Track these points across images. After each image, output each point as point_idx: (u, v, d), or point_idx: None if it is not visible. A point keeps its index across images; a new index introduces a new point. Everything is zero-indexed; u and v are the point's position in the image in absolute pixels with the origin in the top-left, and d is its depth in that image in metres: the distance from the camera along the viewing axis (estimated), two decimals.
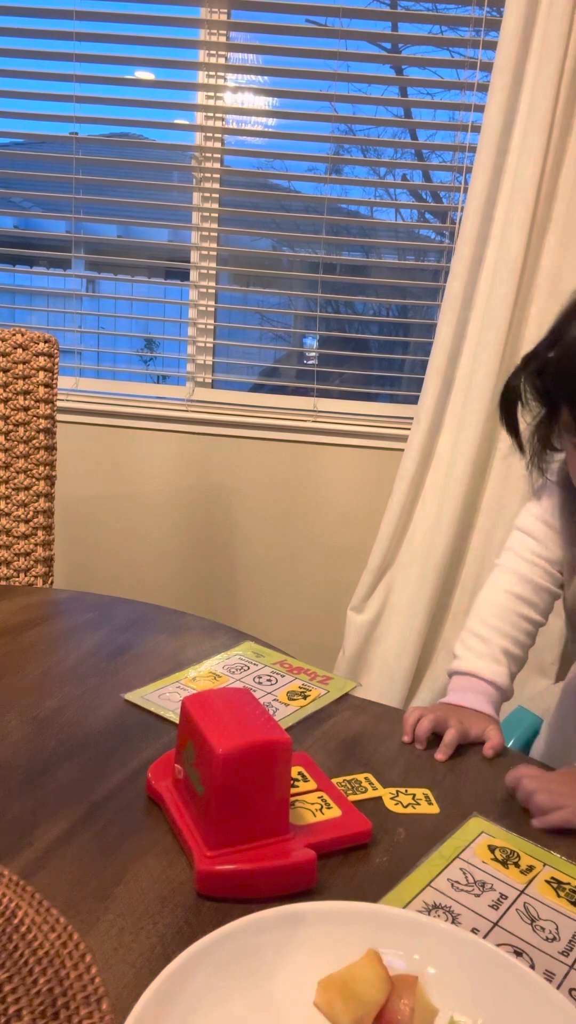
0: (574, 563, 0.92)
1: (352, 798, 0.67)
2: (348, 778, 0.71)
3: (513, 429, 0.87)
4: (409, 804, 0.67)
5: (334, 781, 0.69)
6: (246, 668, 0.92)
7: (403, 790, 0.69)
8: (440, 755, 0.76)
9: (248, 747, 0.56)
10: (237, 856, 0.56)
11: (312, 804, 0.64)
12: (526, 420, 0.87)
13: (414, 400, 1.92)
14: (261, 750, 0.56)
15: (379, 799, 0.68)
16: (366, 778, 0.71)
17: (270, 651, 0.97)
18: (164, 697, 0.83)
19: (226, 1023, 0.44)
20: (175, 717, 0.77)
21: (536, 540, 0.93)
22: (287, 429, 2.02)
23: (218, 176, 2.05)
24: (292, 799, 0.62)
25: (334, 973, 0.46)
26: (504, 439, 1.86)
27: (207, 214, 2.05)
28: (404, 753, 0.76)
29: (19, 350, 1.27)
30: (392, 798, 0.68)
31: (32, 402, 1.27)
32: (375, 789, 0.69)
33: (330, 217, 2.01)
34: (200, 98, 2.00)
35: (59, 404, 1.31)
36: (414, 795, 0.69)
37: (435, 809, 0.67)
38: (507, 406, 0.86)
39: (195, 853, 0.56)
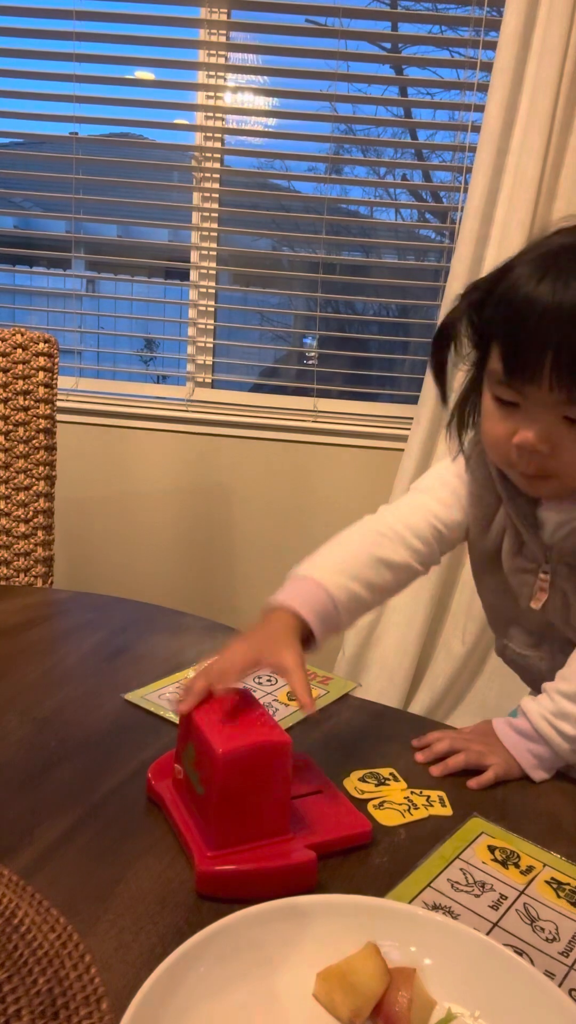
0: (483, 521, 0.82)
1: (379, 790, 0.68)
2: (369, 771, 0.72)
3: (440, 374, 0.75)
4: (422, 805, 0.67)
5: (357, 775, 0.70)
6: None
7: (417, 791, 0.69)
8: (435, 770, 0.73)
9: (248, 747, 0.56)
10: (237, 857, 0.56)
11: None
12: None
13: (414, 400, 1.92)
14: (261, 750, 0.56)
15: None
16: (391, 773, 0.72)
17: None
18: (164, 697, 0.83)
19: (226, 1014, 0.44)
20: (175, 717, 0.77)
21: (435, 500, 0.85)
22: (287, 429, 2.02)
23: (218, 176, 2.05)
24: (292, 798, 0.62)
25: (333, 965, 0.47)
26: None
27: (207, 214, 2.05)
28: (404, 754, 0.76)
29: (19, 350, 1.27)
30: (404, 799, 0.68)
31: (32, 402, 1.27)
32: (398, 781, 0.70)
33: (330, 217, 2.01)
34: (200, 98, 2.00)
35: (59, 404, 1.31)
36: (428, 796, 0.69)
37: (448, 811, 0.67)
38: (439, 344, 0.74)
39: (195, 853, 0.56)
